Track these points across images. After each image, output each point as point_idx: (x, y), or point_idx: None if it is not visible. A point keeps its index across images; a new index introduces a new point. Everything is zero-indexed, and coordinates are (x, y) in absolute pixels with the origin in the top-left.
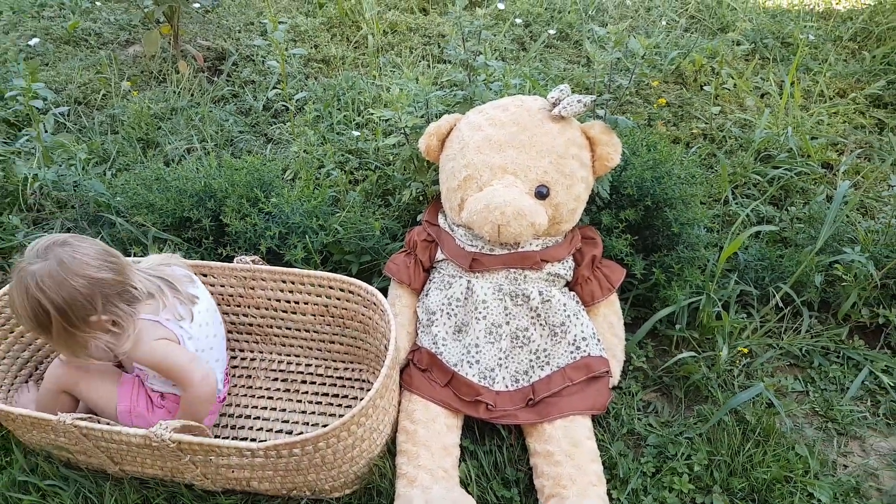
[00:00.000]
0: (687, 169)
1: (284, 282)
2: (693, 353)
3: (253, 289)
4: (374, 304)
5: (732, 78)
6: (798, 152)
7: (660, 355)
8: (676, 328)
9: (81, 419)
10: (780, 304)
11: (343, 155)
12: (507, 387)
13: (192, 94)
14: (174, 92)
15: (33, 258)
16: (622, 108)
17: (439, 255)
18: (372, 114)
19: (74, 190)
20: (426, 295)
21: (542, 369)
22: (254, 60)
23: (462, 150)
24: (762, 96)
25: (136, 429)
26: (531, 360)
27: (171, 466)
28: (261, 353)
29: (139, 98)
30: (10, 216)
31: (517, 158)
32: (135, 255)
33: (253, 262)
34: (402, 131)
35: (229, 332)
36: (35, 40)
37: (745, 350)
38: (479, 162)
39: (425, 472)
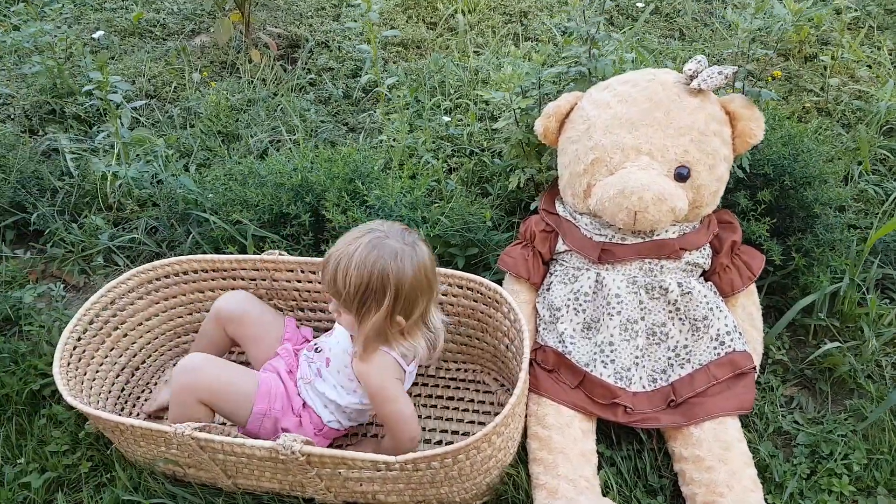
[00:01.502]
0: (824, 144)
1: None
2: (838, 344)
3: None
4: (497, 301)
5: (842, 47)
6: None
7: (797, 346)
8: (817, 317)
9: (200, 430)
10: None
11: (434, 142)
12: (644, 387)
13: (268, 84)
14: (249, 82)
15: (396, 235)
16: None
17: (561, 247)
18: (477, 96)
19: (159, 187)
20: (547, 289)
21: (682, 367)
22: (329, 46)
23: (588, 131)
24: (869, 66)
25: (262, 441)
26: (669, 358)
27: (292, 480)
28: None
29: (215, 89)
30: (92, 216)
31: (653, 137)
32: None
33: None
34: (513, 113)
35: (327, 329)
36: (99, 33)
37: None
38: (608, 143)
39: (566, 483)
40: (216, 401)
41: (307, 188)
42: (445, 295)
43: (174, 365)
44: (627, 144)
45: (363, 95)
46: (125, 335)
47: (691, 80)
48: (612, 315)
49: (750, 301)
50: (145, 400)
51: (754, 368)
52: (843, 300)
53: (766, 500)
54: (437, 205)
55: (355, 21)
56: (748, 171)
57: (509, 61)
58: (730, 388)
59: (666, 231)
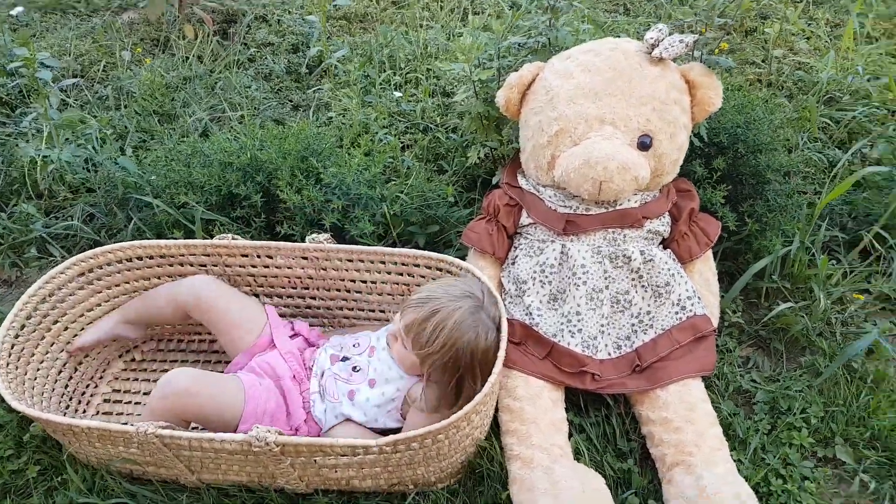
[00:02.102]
0: (773, 112)
1: (363, 261)
2: (790, 304)
3: (325, 269)
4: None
5: (785, 20)
6: (860, 94)
7: (750, 309)
8: (770, 279)
9: (164, 428)
10: (869, 249)
11: (386, 118)
12: (609, 354)
13: (205, 61)
14: (184, 59)
15: (488, 309)
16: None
17: (525, 220)
18: (428, 71)
19: (95, 171)
20: (513, 263)
21: (645, 333)
22: (268, 21)
23: (551, 102)
24: (808, 39)
25: (233, 434)
26: (633, 325)
27: (263, 472)
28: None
29: (148, 67)
30: (23, 204)
31: (616, 107)
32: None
33: (325, 240)
34: (473, 85)
35: (294, 315)
36: (18, 9)
37: (861, 296)
38: (572, 113)
39: (540, 452)
40: (201, 421)
41: (257, 167)
42: (413, 276)
43: (119, 357)
44: (591, 114)
45: (307, 71)
46: (66, 328)
47: (652, 48)
48: (578, 285)
49: (706, 267)
50: (91, 395)
51: (714, 331)
52: (793, 262)
53: (731, 456)
54: (393, 182)
55: None
56: (705, 139)
57: (468, 31)
58: (692, 352)
59: (628, 200)
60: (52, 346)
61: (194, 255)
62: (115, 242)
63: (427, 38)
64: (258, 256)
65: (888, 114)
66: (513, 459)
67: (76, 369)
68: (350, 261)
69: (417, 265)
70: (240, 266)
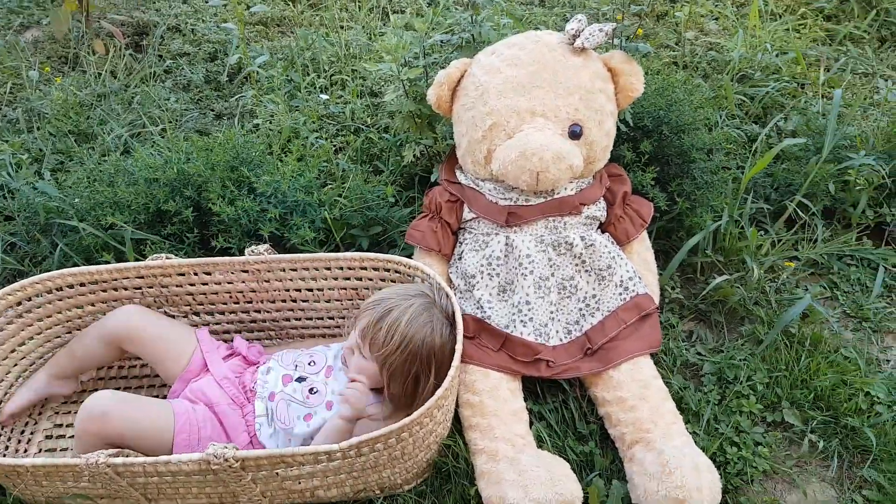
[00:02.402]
0: (692, 93)
1: (307, 269)
2: (726, 277)
3: (268, 281)
4: (419, 278)
5: (695, 3)
6: (770, 69)
7: (687, 284)
8: (704, 254)
9: (116, 456)
10: (793, 217)
11: (315, 121)
12: (561, 340)
13: (119, 76)
14: (96, 75)
15: (440, 305)
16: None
17: (467, 214)
18: (353, 72)
19: (12, 198)
20: (459, 259)
21: (592, 316)
22: (181, 31)
23: (482, 97)
24: (716, 19)
25: (191, 454)
26: (581, 309)
27: (223, 491)
28: (278, 347)
29: (59, 85)
30: None
31: (545, 98)
32: (104, 263)
33: (266, 251)
34: (402, 85)
35: (238, 331)
36: None
37: (791, 263)
38: (503, 107)
39: (504, 443)
40: (128, 444)
41: (185, 181)
42: (361, 280)
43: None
44: (522, 107)
45: (227, 79)
46: None
47: (574, 39)
48: (526, 275)
49: (643, 247)
50: (31, 433)
51: (657, 308)
52: (724, 236)
53: (686, 429)
54: (329, 186)
55: (187, 4)
56: (631, 124)
57: (391, 31)
58: (638, 330)
59: (565, 189)
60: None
61: (128, 278)
62: (40, 272)
63: (349, 39)
64: (195, 274)
65: (798, 87)
66: (478, 454)
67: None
68: (294, 270)
69: (364, 268)
70: (177, 286)
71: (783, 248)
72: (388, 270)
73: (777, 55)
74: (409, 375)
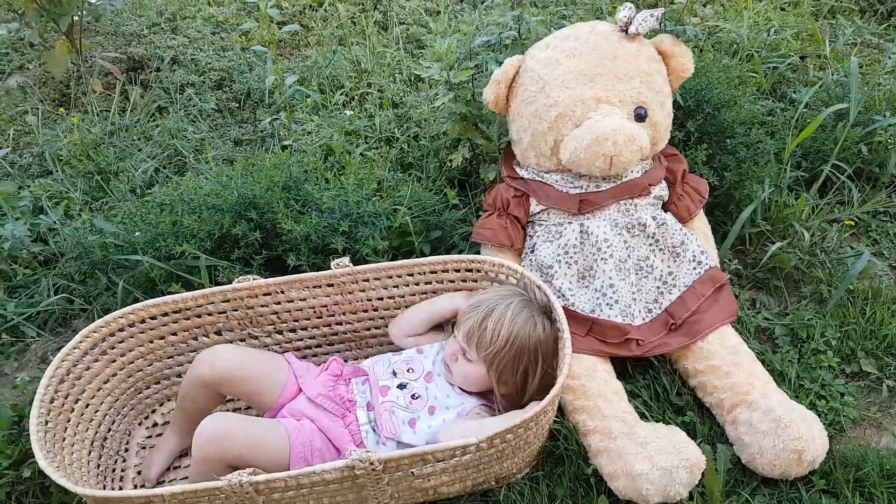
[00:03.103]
0: (727, 71)
1: (390, 277)
2: (780, 244)
3: (351, 293)
4: (502, 275)
5: None
6: (771, 46)
7: (737, 255)
8: (755, 224)
9: (256, 474)
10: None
11: (341, 137)
12: (644, 319)
13: (127, 113)
14: (100, 114)
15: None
16: None
17: (535, 207)
18: (370, 84)
19: (41, 241)
20: (532, 252)
21: (670, 293)
22: (180, 62)
23: (543, 90)
24: (705, 5)
25: (334, 463)
26: (658, 288)
27: (354, 498)
28: (355, 360)
29: (70, 125)
30: None
31: (608, 85)
32: (172, 293)
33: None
34: (451, 87)
35: (318, 346)
36: None
37: (850, 223)
38: (567, 98)
39: (615, 421)
40: (246, 463)
41: (247, 204)
42: (441, 283)
43: (139, 424)
44: (586, 96)
45: (237, 105)
46: (87, 405)
47: (627, 26)
48: (606, 259)
49: (702, 223)
50: (122, 471)
51: (728, 279)
52: (769, 206)
53: None
54: (379, 196)
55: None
56: (682, 104)
57: (428, 38)
58: (717, 301)
59: (632, 172)
60: (78, 426)
61: (213, 303)
62: (97, 311)
63: (359, 55)
64: (280, 292)
65: (800, 60)
66: (590, 434)
67: (103, 446)
68: (378, 279)
69: (446, 270)
70: (262, 306)
71: (823, 212)
72: (469, 271)
73: (775, 32)
74: (517, 372)
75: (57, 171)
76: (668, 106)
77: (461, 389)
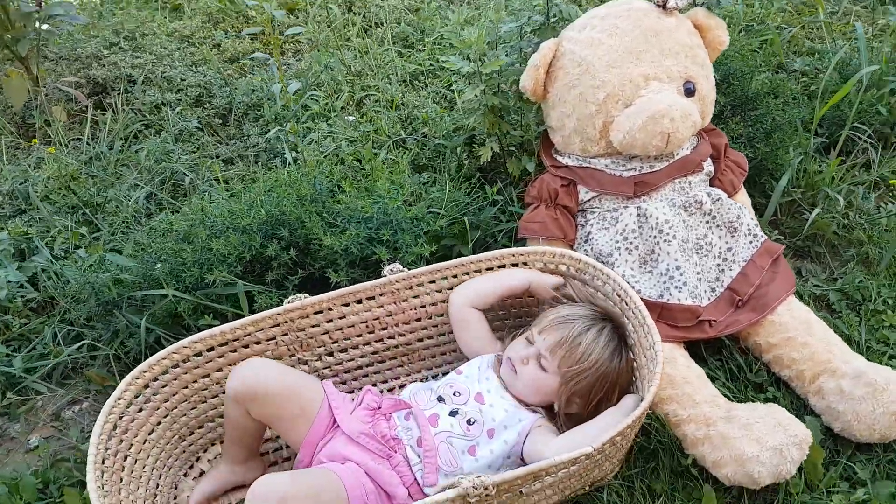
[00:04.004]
0: (748, 43)
1: (445, 279)
2: (818, 210)
3: (406, 300)
4: (563, 266)
5: None
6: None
7: (770, 226)
8: (789, 193)
9: None
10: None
11: (347, 143)
12: (709, 299)
13: (100, 140)
14: (65, 144)
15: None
16: None
17: (585, 195)
18: (367, 87)
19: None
20: (586, 241)
21: (730, 269)
22: (152, 81)
23: (587, 72)
24: None
25: (446, 492)
26: (718, 265)
27: None
28: (408, 375)
29: (38, 159)
30: None
31: (655, 61)
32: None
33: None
34: (481, 78)
35: (370, 364)
36: None
37: (895, 181)
38: (614, 77)
39: (709, 406)
40: None
41: (274, 222)
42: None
43: (185, 476)
44: (634, 74)
45: (220, 122)
46: (135, 461)
47: (665, 2)
48: (669, 241)
49: (745, 197)
50: None
51: (783, 249)
52: (800, 173)
53: None
54: (409, 199)
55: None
56: (717, 78)
57: (455, 25)
58: (777, 273)
59: (683, 149)
60: (130, 485)
61: (262, 329)
62: (120, 352)
63: (346, 57)
64: (330, 309)
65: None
66: (684, 423)
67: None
68: (432, 282)
69: (503, 266)
70: (313, 326)
71: (848, 176)
72: (525, 264)
73: (763, 7)
74: (591, 396)
75: (37, 207)
76: (712, 79)
77: (516, 401)
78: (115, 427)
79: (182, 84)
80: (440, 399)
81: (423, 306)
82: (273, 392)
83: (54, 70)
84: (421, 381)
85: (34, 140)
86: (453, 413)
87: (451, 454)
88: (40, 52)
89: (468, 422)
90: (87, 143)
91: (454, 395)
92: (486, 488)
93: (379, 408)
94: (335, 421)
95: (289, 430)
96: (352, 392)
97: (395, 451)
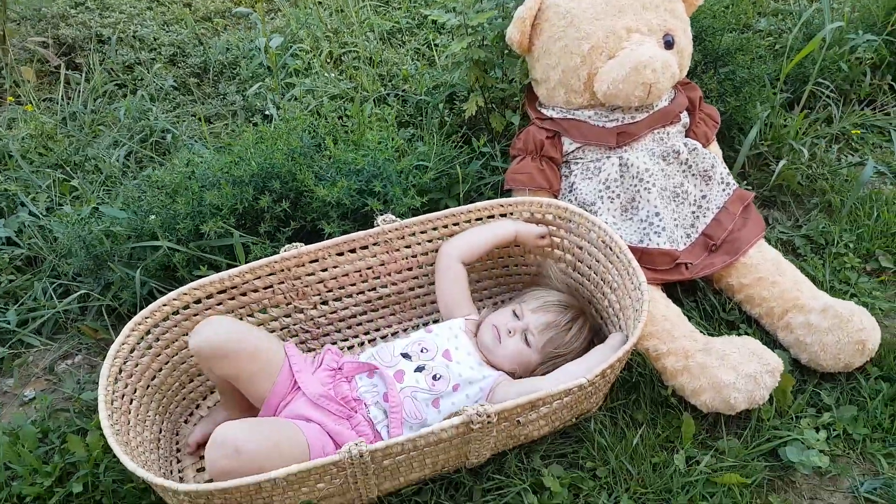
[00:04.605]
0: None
1: (436, 229)
2: (784, 161)
3: (398, 250)
4: (550, 215)
5: None
6: None
7: (738, 178)
8: (754, 146)
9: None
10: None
11: (328, 99)
12: (685, 244)
13: (73, 100)
14: (37, 104)
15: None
16: None
17: (569, 146)
18: (345, 44)
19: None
20: (570, 191)
21: (705, 216)
22: (124, 40)
23: (571, 24)
24: None
25: (451, 420)
26: (693, 212)
27: (456, 454)
28: (399, 323)
29: (9, 119)
30: None
31: (637, 14)
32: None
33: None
34: (467, 31)
35: (363, 313)
36: None
37: (857, 131)
38: (598, 29)
39: (688, 340)
40: (267, 469)
41: (265, 175)
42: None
43: (185, 422)
44: (617, 26)
45: (195, 82)
46: (140, 405)
47: None
48: (649, 188)
49: (717, 148)
50: (181, 472)
51: (754, 196)
52: (767, 127)
53: None
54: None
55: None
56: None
57: None
58: (748, 218)
59: (662, 101)
60: (136, 428)
61: (259, 278)
62: (117, 304)
63: (322, 16)
64: (325, 258)
65: None
66: (665, 357)
67: (158, 447)
68: (423, 232)
69: (492, 216)
70: (308, 275)
71: (812, 130)
72: (513, 214)
73: None
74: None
75: (18, 165)
76: (689, 33)
77: (482, 360)
78: (120, 371)
79: (155, 43)
80: (405, 356)
81: (414, 256)
82: (234, 350)
83: (18, 30)
84: (413, 329)
85: (10, 98)
86: (419, 369)
87: (416, 407)
88: (3, 11)
89: (434, 377)
90: (61, 103)
91: (421, 351)
92: (488, 416)
93: (340, 368)
94: (296, 382)
95: (249, 389)
96: (335, 344)
97: (356, 412)
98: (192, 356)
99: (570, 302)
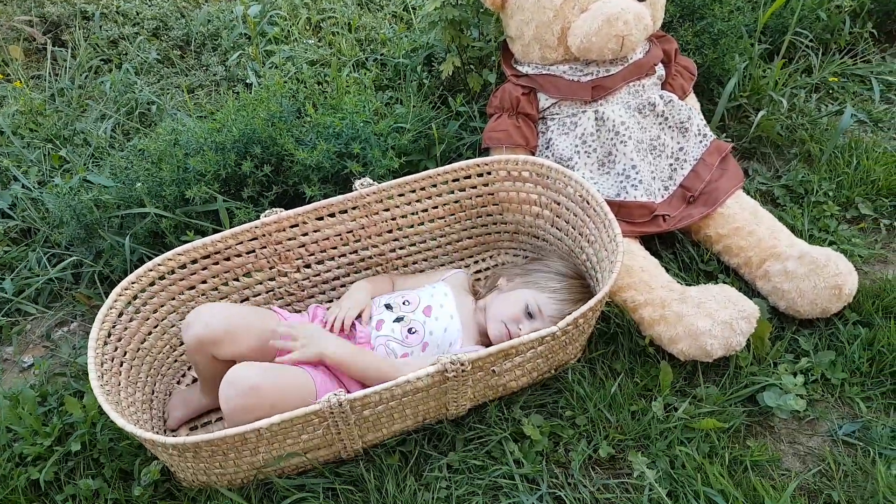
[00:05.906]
0: None
1: (413, 191)
2: (763, 112)
3: (377, 213)
4: (526, 172)
5: None
6: None
7: (718, 130)
8: (734, 97)
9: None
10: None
11: (310, 66)
12: (663, 196)
13: (60, 76)
14: (25, 81)
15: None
16: None
17: (545, 102)
18: (323, 11)
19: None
20: (547, 147)
21: (682, 168)
22: (107, 16)
23: None
24: None
25: (426, 368)
26: (671, 164)
27: (435, 405)
28: None
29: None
30: None
31: None
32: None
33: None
34: None
35: (346, 275)
36: None
37: (835, 79)
38: None
39: (664, 290)
40: (276, 412)
41: (247, 140)
42: (463, 191)
43: (178, 384)
44: None
45: (178, 54)
46: (131, 368)
47: None
48: (626, 142)
49: (694, 100)
50: (173, 434)
51: (732, 147)
52: (746, 79)
53: None
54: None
55: None
56: None
57: None
58: (726, 170)
59: (636, 53)
60: (128, 389)
61: (241, 243)
62: (108, 271)
63: None
64: (305, 222)
65: None
66: (640, 307)
67: (151, 408)
68: (401, 195)
69: (469, 176)
70: (289, 239)
71: (792, 80)
72: (489, 174)
73: None
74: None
75: (9, 140)
76: None
77: (462, 328)
78: (109, 334)
79: (138, 18)
80: (388, 307)
81: (393, 218)
82: (234, 329)
83: (5, 10)
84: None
85: (0, 76)
86: (398, 319)
87: (389, 356)
88: None
89: (409, 330)
90: (48, 80)
91: (403, 303)
92: (462, 364)
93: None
94: None
95: (253, 358)
96: (331, 301)
97: None
98: (181, 320)
99: (576, 273)
